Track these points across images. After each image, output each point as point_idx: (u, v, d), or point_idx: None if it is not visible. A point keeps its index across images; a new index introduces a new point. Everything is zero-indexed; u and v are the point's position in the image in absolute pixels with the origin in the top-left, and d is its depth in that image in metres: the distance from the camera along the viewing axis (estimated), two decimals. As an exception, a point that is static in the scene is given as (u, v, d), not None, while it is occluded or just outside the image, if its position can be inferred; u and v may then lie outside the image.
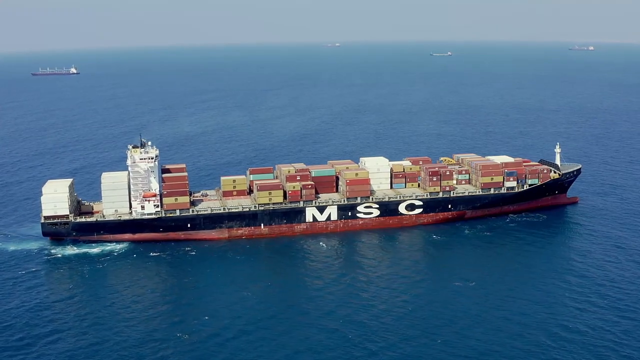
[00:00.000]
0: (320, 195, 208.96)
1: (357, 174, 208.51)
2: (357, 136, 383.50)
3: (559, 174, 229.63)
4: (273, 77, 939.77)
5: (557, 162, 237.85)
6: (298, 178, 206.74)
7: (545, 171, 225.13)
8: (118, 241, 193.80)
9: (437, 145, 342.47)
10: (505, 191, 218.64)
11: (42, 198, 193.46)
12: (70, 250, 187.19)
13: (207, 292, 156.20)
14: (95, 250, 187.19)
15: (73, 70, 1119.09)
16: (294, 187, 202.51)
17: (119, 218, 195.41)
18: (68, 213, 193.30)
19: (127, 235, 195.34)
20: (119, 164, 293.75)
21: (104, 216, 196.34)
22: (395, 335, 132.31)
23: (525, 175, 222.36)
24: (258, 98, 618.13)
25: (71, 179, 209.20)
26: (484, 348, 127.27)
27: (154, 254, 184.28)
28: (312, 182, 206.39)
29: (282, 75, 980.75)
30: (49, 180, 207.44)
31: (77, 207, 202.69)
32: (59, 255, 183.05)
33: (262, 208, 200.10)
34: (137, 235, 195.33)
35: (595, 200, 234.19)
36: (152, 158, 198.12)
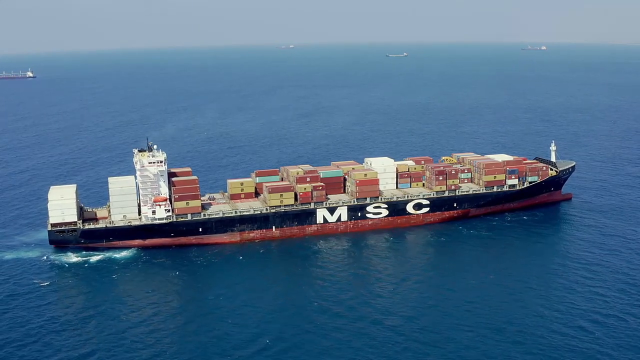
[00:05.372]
0: (329, 196, 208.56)
1: (366, 175, 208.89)
2: (347, 137, 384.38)
3: (556, 171, 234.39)
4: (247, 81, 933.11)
5: (553, 159, 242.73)
6: (308, 180, 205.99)
7: (544, 169, 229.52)
8: (127, 247, 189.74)
9: (427, 145, 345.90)
10: (507, 189, 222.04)
11: (48, 205, 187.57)
12: (78, 258, 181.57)
13: (227, 299, 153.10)
14: (102, 257, 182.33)
15: (29, 74, 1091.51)
16: (305, 188, 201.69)
17: (129, 224, 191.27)
18: (76, 220, 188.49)
19: (137, 241, 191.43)
20: (114, 169, 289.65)
21: (112, 222, 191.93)
22: (421, 336, 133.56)
23: (526, 173, 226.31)
24: (239, 101, 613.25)
25: (75, 185, 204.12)
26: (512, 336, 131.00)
27: (165, 260, 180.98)
28: (323, 184, 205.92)
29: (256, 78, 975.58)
30: (51, 187, 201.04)
31: (81, 214, 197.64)
32: (69, 265, 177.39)
33: (274, 210, 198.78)
34: (148, 241, 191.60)
35: (588, 196, 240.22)
36: (161, 162, 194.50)
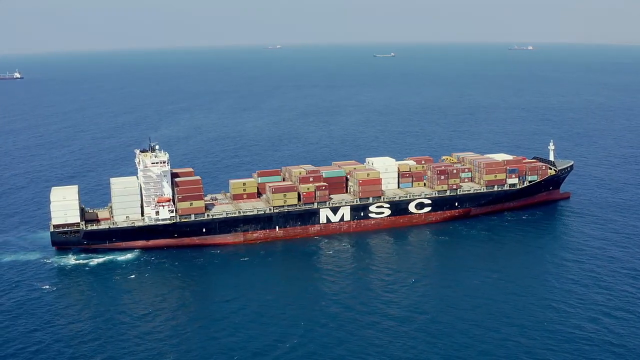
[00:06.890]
0: (331, 196, 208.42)
1: (368, 174, 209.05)
2: (346, 137, 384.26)
3: (555, 170, 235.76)
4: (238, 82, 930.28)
5: (551, 158, 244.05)
6: (311, 179, 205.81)
7: (544, 168, 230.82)
8: (130, 248, 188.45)
9: (426, 145, 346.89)
10: (507, 188, 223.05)
11: (51, 206, 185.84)
12: (82, 260, 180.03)
13: (240, 301, 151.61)
14: (106, 259, 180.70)
15: (17, 74, 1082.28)
16: (308, 188, 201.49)
17: (132, 224, 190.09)
18: (79, 221, 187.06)
19: (140, 242, 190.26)
20: (114, 171, 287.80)
21: (115, 223, 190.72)
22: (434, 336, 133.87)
23: (526, 172, 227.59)
24: (238, 102, 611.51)
25: (76, 186, 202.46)
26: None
27: (170, 261, 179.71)
28: (325, 184, 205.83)
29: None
30: (53, 188, 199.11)
31: (83, 215, 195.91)
32: (73, 267, 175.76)
33: (277, 210, 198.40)
34: (151, 242, 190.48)
35: (586, 195, 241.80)
36: (164, 162, 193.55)
